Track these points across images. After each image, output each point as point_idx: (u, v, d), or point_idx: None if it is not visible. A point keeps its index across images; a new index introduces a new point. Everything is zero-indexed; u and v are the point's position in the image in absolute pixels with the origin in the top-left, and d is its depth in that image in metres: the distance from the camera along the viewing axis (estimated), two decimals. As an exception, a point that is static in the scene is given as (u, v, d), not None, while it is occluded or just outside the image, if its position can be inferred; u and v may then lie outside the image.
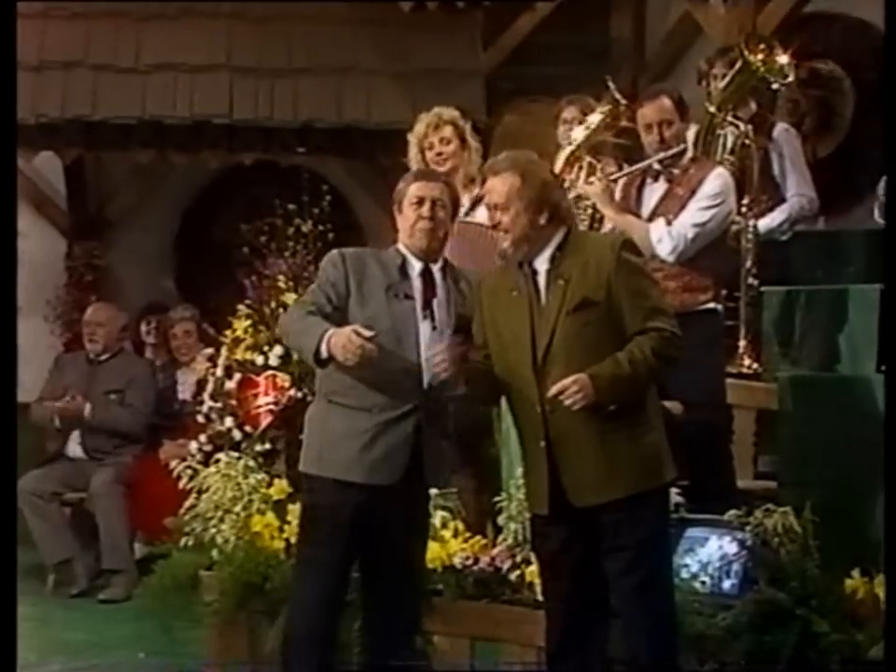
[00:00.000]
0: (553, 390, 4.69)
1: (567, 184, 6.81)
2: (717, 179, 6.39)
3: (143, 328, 9.63)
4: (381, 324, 5.02)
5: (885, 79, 4.63)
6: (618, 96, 6.80)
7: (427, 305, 5.12)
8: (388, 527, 5.11)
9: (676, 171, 6.46)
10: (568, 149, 6.87)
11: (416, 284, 5.16)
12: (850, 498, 5.79)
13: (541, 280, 4.91)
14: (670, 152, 6.42)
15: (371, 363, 4.89)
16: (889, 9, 5.21)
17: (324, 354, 4.91)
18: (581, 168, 6.85)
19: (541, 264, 4.91)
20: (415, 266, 5.18)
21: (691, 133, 6.86)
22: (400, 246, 5.23)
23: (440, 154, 6.75)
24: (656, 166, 6.50)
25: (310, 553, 5.20)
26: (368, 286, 5.11)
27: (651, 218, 6.41)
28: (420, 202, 5.15)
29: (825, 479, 5.87)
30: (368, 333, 4.87)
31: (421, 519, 5.37)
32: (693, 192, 6.38)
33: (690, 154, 6.59)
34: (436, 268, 5.21)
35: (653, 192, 6.55)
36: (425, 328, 5.11)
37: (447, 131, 6.77)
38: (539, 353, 4.83)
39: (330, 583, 5.18)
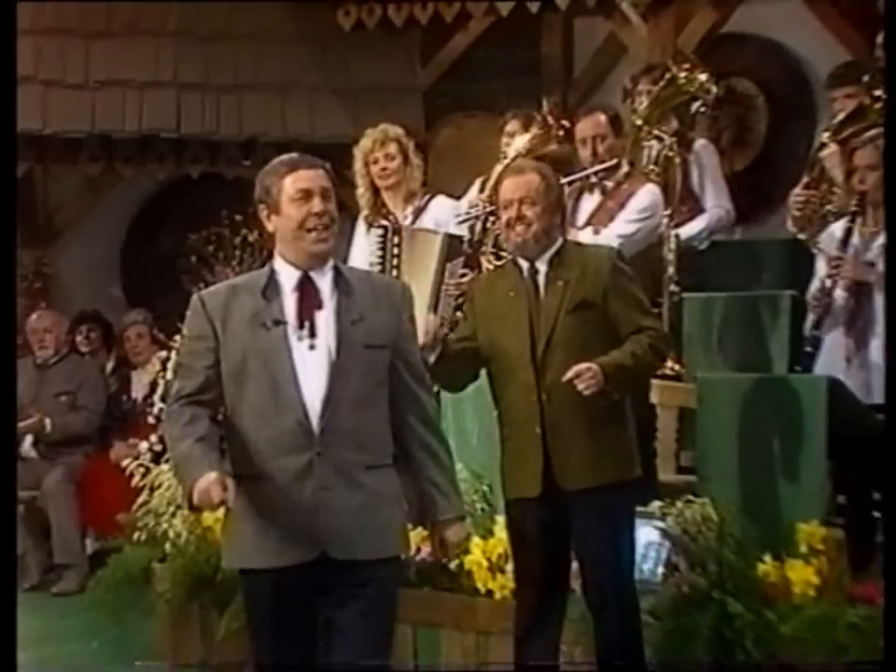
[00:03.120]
0: (570, 374, 4.86)
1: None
2: (646, 195, 6.53)
3: (77, 337, 9.61)
4: (252, 367, 4.08)
5: (885, 80, 4.66)
6: (550, 119, 6.93)
7: (304, 323, 4.11)
8: (333, 612, 4.13)
9: (610, 184, 6.60)
10: (499, 168, 7.05)
11: (289, 301, 4.15)
12: (763, 489, 5.87)
13: (541, 280, 5.13)
14: (603, 166, 6.55)
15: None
16: (888, 9, 5.03)
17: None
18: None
19: (542, 265, 5.14)
20: (290, 277, 4.17)
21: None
22: (275, 261, 4.24)
23: (384, 169, 6.86)
24: (593, 179, 6.60)
25: (258, 648, 4.28)
26: (233, 324, 4.12)
27: (583, 228, 6.49)
28: (307, 195, 4.13)
29: (740, 472, 5.93)
30: (229, 493, 3.92)
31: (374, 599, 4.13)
32: (622, 206, 6.51)
33: (625, 169, 6.68)
34: (320, 274, 4.19)
35: (588, 203, 6.66)
36: (301, 351, 4.10)
37: (392, 147, 6.86)
38: (539, 347, 5.05)
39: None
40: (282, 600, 4.10)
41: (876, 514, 5.88)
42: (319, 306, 4.15)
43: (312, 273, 4.18)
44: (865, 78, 6.99)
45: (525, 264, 5.20)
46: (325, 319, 4.14)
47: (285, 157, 4.31)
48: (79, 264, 10.41)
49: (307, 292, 4.16)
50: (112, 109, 9.16)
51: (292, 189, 4.15)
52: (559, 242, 5.21)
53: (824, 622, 5.38)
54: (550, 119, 6.94)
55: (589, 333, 5.07)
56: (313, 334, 4.11)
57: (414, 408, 4.29)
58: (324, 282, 4.19)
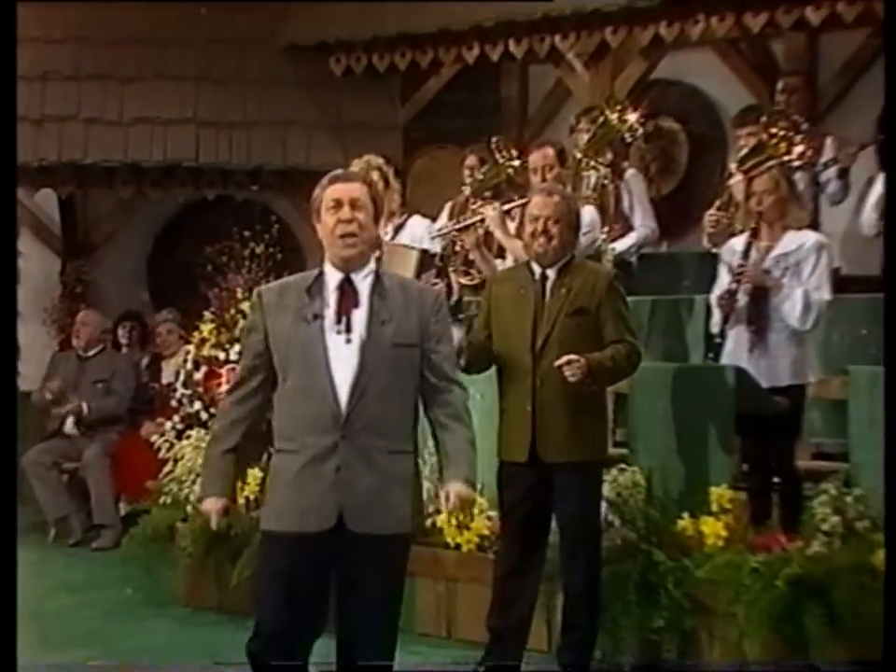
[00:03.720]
0: (563, 360, 5.02)
1: (468, 213, 7.00)
2: (585, 215, 6.42)
3: (120, 331, 9.59)
4: (292, 354, 3.95)
5: (886, 81, 4.21)
6: (498, 157, 6.92)
7: (342, 318, 3.95)
8: (349, 571, 3.94)
9: None
10: (464, 195, 7.13)
11: (331, 298, 3.98)
12: (682, 459, 5.92)
13: (549, 285, 5.25)
14: None
15: None
16: (888, 11, 4.53)
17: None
18: (476, 203, 7.00)
19: (552, 273, 5.26)
20: (334, 278, 4.01)
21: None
22: (324, 264, 4.07)
23: None
24: None
25: (266, 605, 3.98)
26: (281, 317, 3.99)
27: None
28: (338, 204, 3.97)
29: (664, 445, 5.97)
30: (213, 522, 4.00)
31: (388, 562, 3.96)
32: None
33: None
34: (360, 277, 4.01)
35: None
36: (338, 344, 3.92)
37: (374, 175, 6.59)
38: (538, 340, 5.17)
39: (287, 631, 3.94)
40: (298, 564, 3.89)
41: (774, 480, 5.97)
42: (356, 305, 3.96)
43: (353, 276, 4.00)
44: (763, 119, 7.01)
45: (538, 269, 5.31)
46: (360, 318, 3.95)
47: (332, 173, 4.14)
48: (113, 272, 10.36)
49: (347, 292, 3.97)
50: (141, 142, 9.17)
51: (328, 199, 4.00)
52: (569, 256, 5.32)
53: (731, 567, 5.47)
54: (498, 156, 6.93)
55: (581, 335, 5.18)
56: (349, 329, 3.92)
57: (438, 399, 4.05)
58: (363, 284, 4.00)
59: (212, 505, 4.00)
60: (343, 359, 3.90)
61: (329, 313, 3.94)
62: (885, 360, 4.38)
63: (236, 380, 4.13)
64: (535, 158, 6.77)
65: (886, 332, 4.36)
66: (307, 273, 4.14)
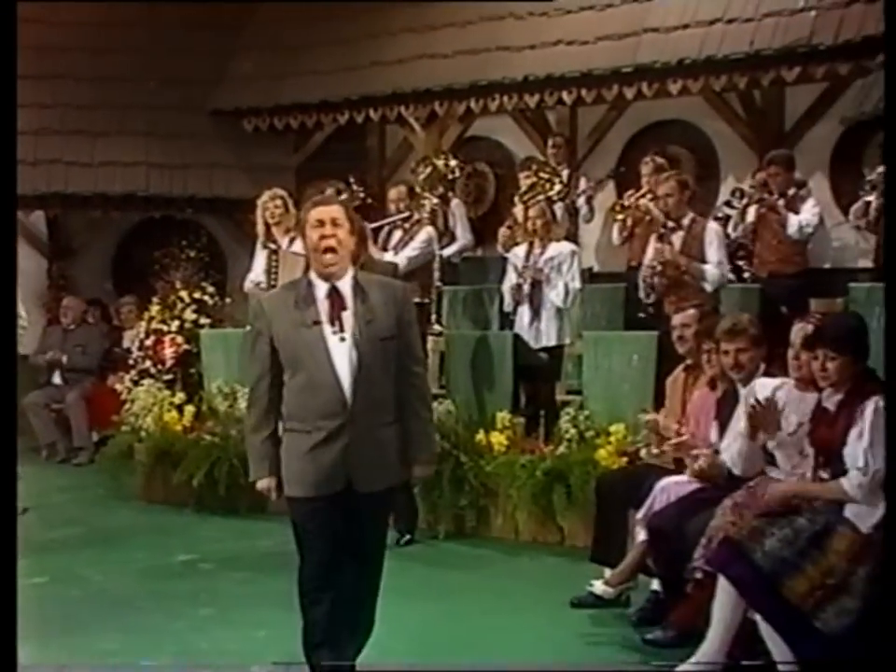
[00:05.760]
0: None
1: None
2: (424, 234, 6.81)
3: (87, 312, 9.41)
4: (300, 355, 3.53)
5: (886, 83, 3.66)
6: (355, 189, 7.09)
7: (334, 321, 3.52)
8: (353, 523, 3.61)
9: (407, 226, 6.81)
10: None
11: (323, 305, 3.54)
12: (480, 394, 6.24)
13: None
14: (400, 216, 6.82)
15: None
16: (888, 11, 3.89)
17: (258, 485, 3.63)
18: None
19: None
20: (322, 288, 3.56)
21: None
22: (311, 273, 3.60)
23: (272, 215, 6.81)
24: (397, 223, 6.86)
25: (301, 553, 3.66)
26: (283, 323, 3.55)
27: (390, 251, 6.72)
28: (320, 223, 3.53)
29: (469, 386, 6.29)
30: (272, 496, 3.60)
31: (379, 513, 3.72)
32: (412, 239, 6.78)
33: (416, 217, 6.88)
34: (343, 284, 3.57)
35: (395, 237, 6.87)
36: (335, 343, 3.52)
37: (278, 202, 6.84)
38: None
39: (321, 569, 3.61)
40: (318, 517, 3.57)
41: (541, 412, 6.21)
42: (344, 308, 3.54)
43: (337, 284, 3.57)
44: (534, 167, 7.45)
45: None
46: (349, 318, 3.54)
47: (315, 197, 3.76)
48: (87, 270, 10.24)
49: (334, 299, 3.55)
50: (108, 178, 9.20)
51: (311, 219, 3.57)
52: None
53: (509, 464, 5.91)
54: (354, 188, 7.16)
55: None
56: (342, 329, 3.52)
57: (411, 381, 3.64)
58: (346, 289, 3.57)
59: (266, 484, 3.60)
60: (342, 356, 3.52)
61: (324, 317, 3.53)
62: (885, 360, 3.53)
63: (257, 376, 3.64)
64: (392, 193, 6.89)
65: (886, 331, 3.53)
66: (296, 281, 3.70)
